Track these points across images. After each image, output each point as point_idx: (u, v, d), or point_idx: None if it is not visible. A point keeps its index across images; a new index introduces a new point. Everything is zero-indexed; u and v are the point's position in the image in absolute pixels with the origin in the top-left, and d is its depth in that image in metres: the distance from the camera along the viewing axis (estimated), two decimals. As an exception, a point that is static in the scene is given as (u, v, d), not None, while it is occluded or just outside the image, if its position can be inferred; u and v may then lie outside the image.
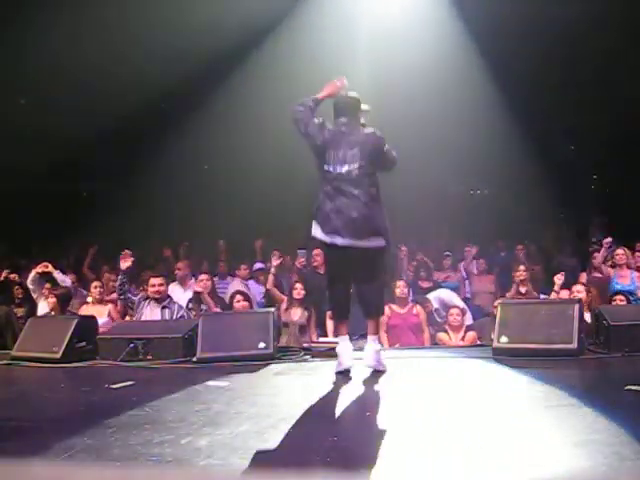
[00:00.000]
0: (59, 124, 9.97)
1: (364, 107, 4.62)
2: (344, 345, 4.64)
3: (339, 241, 4.40)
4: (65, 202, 12.52)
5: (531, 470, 2.57)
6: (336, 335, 4.93)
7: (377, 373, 4.58)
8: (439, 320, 7.08)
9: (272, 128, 9.30)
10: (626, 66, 9.93)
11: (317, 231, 4.53)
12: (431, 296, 7.39)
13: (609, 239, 7.59)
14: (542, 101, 11.26)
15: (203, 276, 7.33)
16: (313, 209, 4.59)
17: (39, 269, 7.30)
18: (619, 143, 11.98)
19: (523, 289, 7.25)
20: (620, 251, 7.43)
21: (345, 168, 4.38)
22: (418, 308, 6.90)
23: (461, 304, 7.25)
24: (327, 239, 4.47)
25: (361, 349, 4.76)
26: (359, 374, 4.53)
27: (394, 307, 6.80)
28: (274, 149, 10.52)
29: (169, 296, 6.54)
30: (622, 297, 6.34)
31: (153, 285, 6.40)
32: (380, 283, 4.80)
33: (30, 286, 7.47)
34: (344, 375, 4.49)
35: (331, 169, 4.43)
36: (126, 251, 6.67)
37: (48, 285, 7.24)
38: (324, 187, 4.47)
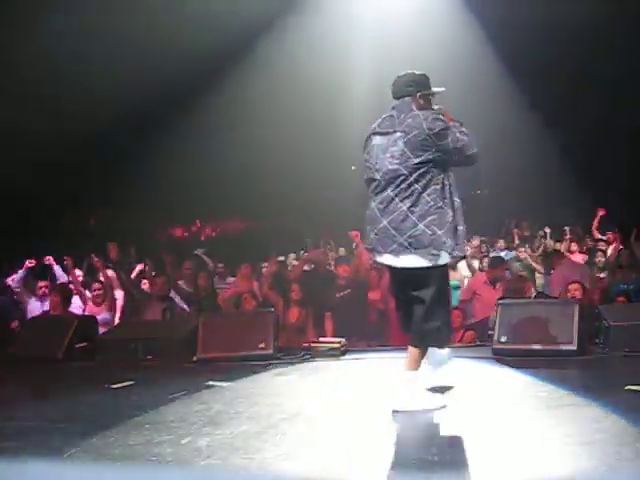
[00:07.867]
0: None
1: (436, 89, 3.68)
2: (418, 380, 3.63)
3: (378, 258, 3.61)
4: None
5: (531, 470, 2.57)
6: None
7: (375, 374, 4.53)
8: None
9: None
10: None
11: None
12: None
13: None
14: (542, 101, 11.27)
15: (203, 274, 7.40)
16: None
17: (29, 264, 6.83)
18: (621, 142, 11.98)
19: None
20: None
21: (386, 161, 3.47)
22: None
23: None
24: (371, 256, 3.77)
25: (363, 350, 4.68)
26: (357, 374, 4.52)
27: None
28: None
29: (170, 297, 6.54)
30: (624, 298, 6.32)
31: (161, 285, 6.44)
32: (432, 307, 3.53)
33: (15, 285, 6.96)
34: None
35: (373, 165, 3.56)
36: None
37: (44, 282, 6.95)
38: (368, 190, 3.62)
